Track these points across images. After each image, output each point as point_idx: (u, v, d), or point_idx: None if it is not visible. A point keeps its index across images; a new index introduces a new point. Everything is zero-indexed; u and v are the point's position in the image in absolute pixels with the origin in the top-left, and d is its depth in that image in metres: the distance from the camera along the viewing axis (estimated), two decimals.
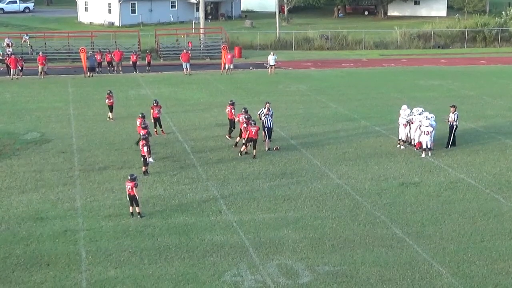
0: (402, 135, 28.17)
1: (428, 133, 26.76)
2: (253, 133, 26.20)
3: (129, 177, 20.49)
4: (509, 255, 17.98)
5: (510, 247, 18.54)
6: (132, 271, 17.01)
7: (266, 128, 27.71)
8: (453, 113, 28.08)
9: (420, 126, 27.24)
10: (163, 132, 29.96)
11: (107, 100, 32.96)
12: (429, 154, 26.77)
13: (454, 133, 28.16)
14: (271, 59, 49.06)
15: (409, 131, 28.12)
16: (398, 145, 28.18)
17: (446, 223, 20.19)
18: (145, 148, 24.01)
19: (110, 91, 33.55)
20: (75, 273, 16.94)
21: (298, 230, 19.55)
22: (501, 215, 20.87)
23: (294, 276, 16.77)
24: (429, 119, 27.16)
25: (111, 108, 33.00)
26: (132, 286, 16.30)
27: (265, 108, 28.59)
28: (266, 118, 27.86)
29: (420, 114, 27.84)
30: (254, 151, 26.50)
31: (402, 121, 28.09)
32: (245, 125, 26.75)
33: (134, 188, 20.24)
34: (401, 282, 16.50)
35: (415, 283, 16.47)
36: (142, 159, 24.59)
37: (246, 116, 27.09)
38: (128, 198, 20.60)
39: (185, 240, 18.85)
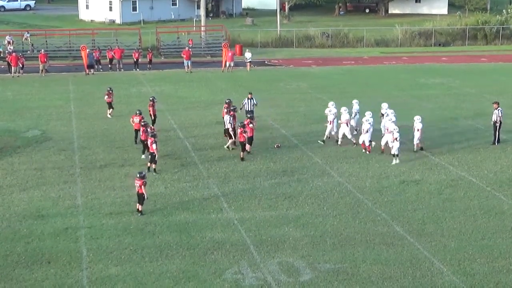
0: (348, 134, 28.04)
1: (395, 138, 25.50)
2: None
3: (137, 175, 20.50)
4: (510, 253, 17.96)
5: (511, 245, 18.53)
6: (133, 269, 17.02)
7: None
8: (496, 109, 28.13)
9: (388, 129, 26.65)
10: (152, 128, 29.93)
11: (106, 97, 33.00)
12: (397, 161, 25.52)
13: (498, 130, 28.19)
14: (247, 55, 50.19)
15: (338, 129, 28.17)
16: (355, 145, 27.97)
17: (447, 221, 20.19)
18: (154, 146, 23.98)
19: (110, 88, 33.58)
20: (76, 270, 16.95)
21: (299, 228, 19.56)
22: (502, 213, 20.86)
23: (295, 274, 16.78)
24: (393, 121, 26.59)
25: (109, 105, 33.02)
26: (133, 283, 16.31)
27: (248, 98, 29.67)
28: (228, 117, 27.20)
29: (386, 116, 27.60)
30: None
31: (344, 118, 27.92)
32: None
33: (142, 186, 20.25)
34: (402, 280, 16.50)
35: (416, 280, 16.47)
36: (149, 156, 24.54)
37: (232, 107, 27.82)
38: (137, 196, 20.60)
39: (186, 238, 18.85)
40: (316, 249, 18.16)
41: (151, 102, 29.98)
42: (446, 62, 55.12)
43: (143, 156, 25.84)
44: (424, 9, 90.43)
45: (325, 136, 28.50)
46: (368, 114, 27.16)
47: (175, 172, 24.65)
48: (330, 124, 28.39)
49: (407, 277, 16.61)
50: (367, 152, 26.84)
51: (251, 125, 26.31)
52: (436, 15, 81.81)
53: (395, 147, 25.60)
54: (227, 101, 29.35)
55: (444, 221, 20.17)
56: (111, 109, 33.09)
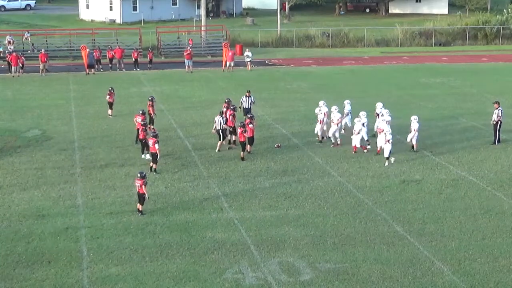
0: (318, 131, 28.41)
1: (387, 140, 25.28)
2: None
3: (138, 175, 20.50)
4: (511, 253, 17.97)
5: (511, 244, 18.54)
6: (133, 269, 17.03)
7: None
8: (496, 109, 28.13)
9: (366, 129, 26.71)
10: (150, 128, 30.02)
11: (108, 97, 33.00)
12: (392, 161, 25.37)
13: (499, 130, 28.15)
14: (247, 55, 50.27)
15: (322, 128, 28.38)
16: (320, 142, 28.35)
17: (447, 220, 20.19)
18: (157, 146, 23.96)
19: (111, 88, 33.59)
20: (77, 270, 16.96)
21: (300, 228, 19.56)
22: (503, 212, 20.86)
23: (295, 274, 16.78)
24: (387, 121, 26.37)
25: (110, 105, 33.02)
26: (133, 283, 16.31)
27: (246, 96, 30.47)
28: (220, 118, 26.99)
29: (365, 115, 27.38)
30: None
31: (320, 116, 28.31)
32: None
33: (143, 186, 20.25)
34: (403, 279, 16.50)
35: (416, 280, 16.47)
36: (150, 157, 24.51)
37: (232, 107, 28.04)
38: (137, 196, 20.60)
39: (186, 238, 18.86)
40: (317, 249, 18.16)
41: (150, 102, 29.98)
42: (446, 62, 55.10)
43: (143, 156, 25.87)
44: (424, 9, 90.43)
45: (320, 137, 28.49)
46: (363, 115, 27.19)
47: (175, 172, 24.66)
48: (320, 123, 28.38)
49: (407, 277, 16.62)
50: (365, 151, 26.81)
51: (251, 125, 26.29)
52: (436, 14, 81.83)
53: (386, 149, 25.35)
54: (226, 100, 29.43)
55: (445, 221, 20.17)
56: (111, 109, 33.07)
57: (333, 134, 27.77)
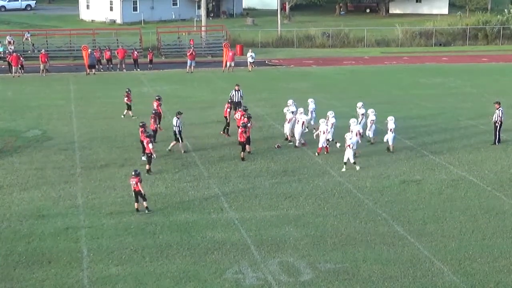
0: (287, 131, 28.38)
1: (347, 145, 24.63)
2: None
3: (132, 173, 20.55)
4: (511, 253, 17.96)
5: (511, 244, 18.53)
6: (133, 269, 17.03)
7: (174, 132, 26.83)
8: (497, 109, 28.13)
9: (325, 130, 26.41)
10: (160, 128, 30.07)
11: (125, 99, 32.79)
12: (357, 169, 24.68)
13: (499, 130, 28.15)
14: (250, 56, 50.22)
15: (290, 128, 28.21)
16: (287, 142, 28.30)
17: (448, 221, 20.19)
18: (150, 145, 23.94)
19: (128, 89, 33.44)
20: (77, 270, 16.96)
21: (300, 228, 19.56)
22: (503, 213, 20.86)
23: (295, 274, 16.78)
24: (370, 121, 26.19)
25: (128, 106, 32.87)
26: (133, 283, 16.31)
27: (235, 90, 30.63)
28: (176, 119, 26.68)
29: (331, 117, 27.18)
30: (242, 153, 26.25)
31: (288, 116, 28.23)
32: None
33: (138, 184, 20.29)
34: (403, 279, 16.50)
35: (417, 280, 16.47)
36: (146, 157, 24.51)
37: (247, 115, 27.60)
38: (133, 195, 20.63)
39: (187, 238, 18.86)
40: (317, 249, 18.16)
41: (158, 101, 29.92)
42: (446, 62, 55.10)
43: (143, 158, 25.63)
44: (424, 9, 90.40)
45: (288, 136, 28.41)
46: (330, 114, 27.20)
47: (175, 172, 24.66)
48: (288, 122, 28.35)
49: (407, 277, 16.61)
50: (325, 153, 26.60)
51: (249, 124, 26.36)
52: (436, 15, 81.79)
53: (346, 154, 24.68)
54: (229, 100, 29.51)
55: (445, 221, 20.17)
56: (127, 110, 32.86)
57: (300, 135, 27.76)
